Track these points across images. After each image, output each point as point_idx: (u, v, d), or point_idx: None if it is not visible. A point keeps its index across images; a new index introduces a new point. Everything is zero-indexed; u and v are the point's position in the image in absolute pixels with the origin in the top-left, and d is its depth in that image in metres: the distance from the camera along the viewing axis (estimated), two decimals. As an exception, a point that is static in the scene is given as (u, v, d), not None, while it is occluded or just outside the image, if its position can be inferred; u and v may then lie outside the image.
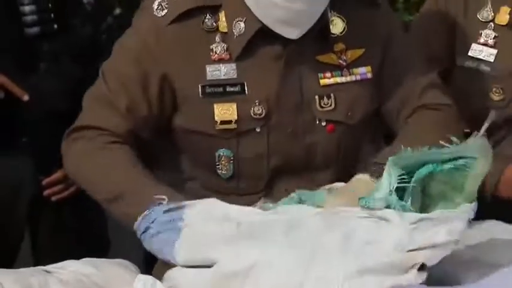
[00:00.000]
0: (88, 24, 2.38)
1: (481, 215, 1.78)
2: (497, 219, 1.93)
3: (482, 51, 2.10)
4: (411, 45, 2.08)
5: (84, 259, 1.75)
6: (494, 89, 2.09)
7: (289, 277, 1.51)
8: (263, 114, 1.87)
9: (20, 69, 2.27)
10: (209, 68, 1.87)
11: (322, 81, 1.90)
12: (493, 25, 2.11)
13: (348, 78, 1.92)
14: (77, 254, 1.78)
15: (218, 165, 1.90)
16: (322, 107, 1.90)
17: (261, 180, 1.91)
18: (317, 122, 1.91)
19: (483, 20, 2.12)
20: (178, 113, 1.90)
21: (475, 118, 1.94)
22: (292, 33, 1.83)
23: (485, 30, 2.11)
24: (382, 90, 1.97)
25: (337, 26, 1.92)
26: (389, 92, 1.97)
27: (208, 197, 1.82)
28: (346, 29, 1.92)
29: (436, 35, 2.12)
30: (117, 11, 2.83)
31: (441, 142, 1.64)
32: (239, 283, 1.52)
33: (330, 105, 1.91)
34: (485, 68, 2.10)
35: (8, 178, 2.31)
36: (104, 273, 1.71)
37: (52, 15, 2.31)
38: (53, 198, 2.35)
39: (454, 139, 1.63)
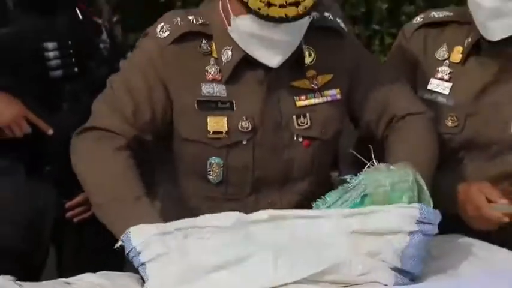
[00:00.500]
0: (104, 66, 2.50)
1: (447, 229, 1.97)
2: (462, 233, 2.10)
3: (439, 85, 2.25)
4: (379, 65, 2.26)
5: (99, 272, 1.91)
6: (449, 117, 2.22)
7: (266, 263, 1.76)
8: (250, 128, 2.03)
9: (45, 108, 2.40)
10: (204, 86, 2.05)
11: (298, 103, 2.08)
12: (448, 62, 2.26)
13: (320, 100, 2.09)
14: (95, 268, 1.93)
15: (209, 171, 2.06)
16: (299, 125, 2.07)
17: (246, 187, 2.07)
18: (295, 139, 2.08)
19: (440, 59, 2.28)
20: (176, 124, 2.05)
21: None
22: (273, 61, 1.99)
23: (441, 67, 2.26)
24: (356, 107, 2.13)
25: (308, 56, 2.09)
26: (365, 106, 2.13)
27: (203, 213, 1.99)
28: (315, 58, 2.09)
29: (401, 72, 2.27)
30: (129, 54, 2.72)
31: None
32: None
33: (306, 124, 2.08)
34: (442, 99, 2.24)
35: (34, 203, 2.41)
36: (116, 284, 1.86)
37: (73, 59, 2.44)
38: (75, 220, 2.47)
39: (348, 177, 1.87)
